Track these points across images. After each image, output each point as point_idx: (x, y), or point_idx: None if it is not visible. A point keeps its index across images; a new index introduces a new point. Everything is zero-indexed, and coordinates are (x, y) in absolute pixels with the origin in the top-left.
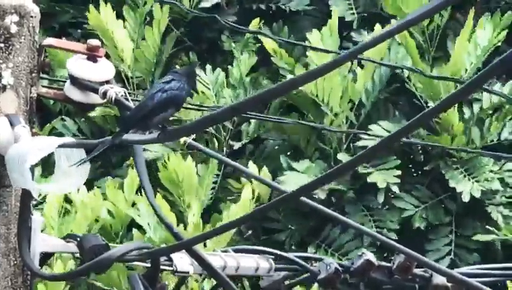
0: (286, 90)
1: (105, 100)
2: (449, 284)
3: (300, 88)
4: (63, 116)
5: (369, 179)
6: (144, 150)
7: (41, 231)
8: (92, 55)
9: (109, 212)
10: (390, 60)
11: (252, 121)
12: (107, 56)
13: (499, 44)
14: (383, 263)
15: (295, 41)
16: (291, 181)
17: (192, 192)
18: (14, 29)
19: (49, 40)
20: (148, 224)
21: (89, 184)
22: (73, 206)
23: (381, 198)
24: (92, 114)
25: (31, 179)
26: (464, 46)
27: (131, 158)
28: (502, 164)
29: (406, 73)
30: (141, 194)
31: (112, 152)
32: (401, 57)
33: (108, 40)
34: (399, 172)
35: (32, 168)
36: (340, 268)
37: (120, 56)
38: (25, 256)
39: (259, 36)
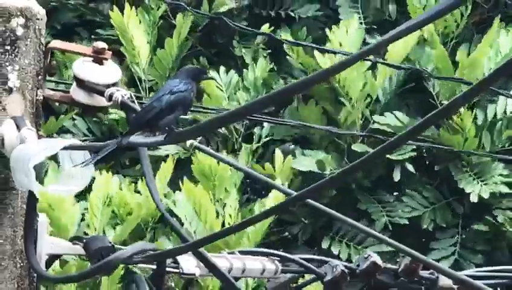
0: (299, 89)
1: (111, 103)
2: (455, 287)
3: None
4: (74, 116)
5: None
6: (156, 148)
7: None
8: (98, 58)
9: (139, 205)
10: (410, 59)
11: (265, 124)
12: (123, 56)
13: None
14: (389, 265)
15: (309, 44)
16: (302, 163)
17: (225, 184)
18: (20, 31)
19: (55, 43)
20: (185, 217)
21: None
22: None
23: (397, 176)
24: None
25: (34, 180)
26: (485, 52)
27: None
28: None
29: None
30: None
31: (122, 152)
32: (424, 57)
33: (127, 42)
34: (414, 153)
35: (39, 169)
36: (346, 270)
37: (136, 59)
38: (32, 258)
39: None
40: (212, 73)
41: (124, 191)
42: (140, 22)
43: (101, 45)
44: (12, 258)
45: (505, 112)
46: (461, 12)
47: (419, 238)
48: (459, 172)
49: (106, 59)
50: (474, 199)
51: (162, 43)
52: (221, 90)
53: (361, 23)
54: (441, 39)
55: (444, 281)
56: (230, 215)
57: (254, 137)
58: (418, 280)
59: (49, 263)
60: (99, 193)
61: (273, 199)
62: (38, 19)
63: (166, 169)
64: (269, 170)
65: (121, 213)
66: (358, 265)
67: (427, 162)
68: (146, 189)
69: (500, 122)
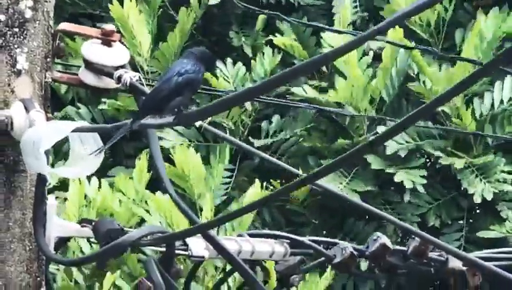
0: (303, 71)
1: (119, 85)
2: (465, 268)
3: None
4: (78, 104)
5: (396, 179)
6: (160, 138)
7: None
8: (106, 40)
9: (120, 203)
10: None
11: (274, 119)
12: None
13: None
14: (398, 247)
15: (311, 23)
16: (327, 182)
17: (202, 183)
18: (28, 14)
19: (64, 25)
20: (160, 222)
21: (102, 173)
22: (92, 201)
23: (407, 197)
24: (103, 106)
25: (45, 163)
26: (472, 43)
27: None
28: None
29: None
30: (152, 191)
31: (126, 142)
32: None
33: (128, 33)
34: (424, 172)
35: (47, 153)
36: (355, 252)
37: (138, 50)
38: (40, 241)
39: (282, 29)
40: (219, 65)
41: (104, 191)
42: (140, 12)
43: (109, 27)
44: (21, 241)
45: (501, 102)
46: None
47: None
48: (461, 170)
49: (114, 41)
50: (477, 199)
51: (163, 33)
52: (228, 82)
53: (356, 12)
54: (434, 23)
55: (454, 262)
56: (206, 218)
57: (262, 131)
58: (427, 262)
59: (58, 246)
60: (74, 198)
61: (253, 195)
62: (46, 1)
63: (144, 166)
64: None
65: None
66: (367, 247)
67: (431, 160)
68: (126, 187)
69: (500, 115)
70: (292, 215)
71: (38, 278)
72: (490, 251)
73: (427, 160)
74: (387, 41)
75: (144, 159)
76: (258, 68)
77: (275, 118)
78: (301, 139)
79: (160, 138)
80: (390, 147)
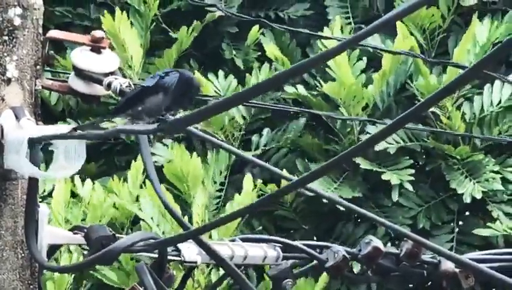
0: (288, 77)
1: (109, 91)
2: (457, 270)
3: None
4: (67, 119)
5: (384, 177)
6: (152, 154)
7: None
8: (96, 47)
9: (114, 205)
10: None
11: (264, 132)
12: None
13: (497, 40)
14: (391, 250)
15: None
16: (317, 187)
17: (198, 185)
18: (17, 21)
19: (53, 32)
20: (152, 218)
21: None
22: (80, 200)
23: (395, 196)
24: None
25: (25, 158)
26: (465, 46)
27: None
28: (502, 161)
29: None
30: (145, 186)
31: (118, 155)
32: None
33: (119, 46)
34: (412, 171)
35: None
36: (348, 255)
37: (128, 63)
38: (33, 248)
39: (263, 42)
40: (210, 77)
41: (97, 192)
42: (132, 25)
43: (98, 33)
44: (14, 249)
45: (491, 104)
46: (448, 5)
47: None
48: (450, 171)
49: (104, 48)
50: (467, 199)
51: (155, 46)
52: (220, 96)
53: (349, 23)
54: (428, 32)
55: (446, 264)
56: (198, 214)
57: (252, 144)
58: (420, 264)
59: (50, 253)
60: (59, 198)
61: (244, 195)
62: (35, 9)
63: (139, 168)
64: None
65: (93, 216)
66: (360, 250)
67: (420, 163)
68: (120, 189)
69: (488, 116)
70: (282, 221)
71: (31, 286)
72: (483, 253)
73: (415, 162)
74: (374, 47)
75: (140, 162)
76: (252, 81)
77: (265, 131)
78: (291, 148)
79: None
80: (379, 145)
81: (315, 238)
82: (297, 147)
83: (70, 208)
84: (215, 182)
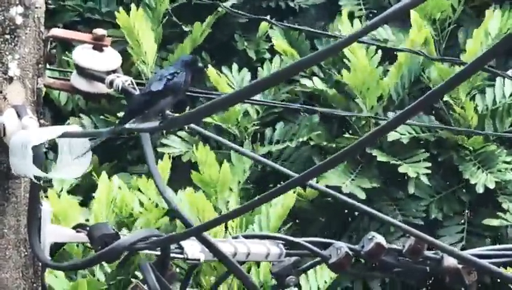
0: (292, 72)
1: (111, 89)
2: (460, 266)
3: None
4: (80, 115)
5: (400, 170)
6: (165, 145)
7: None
8: (98, 45)
9: (141, 203)
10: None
11: (277, 126)
12: (127, 55)
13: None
14: (394, 246)
15: (307, 28)
16: (332, 179)
17: (226, 189)
18: (19, 20)
19: (55, 31)
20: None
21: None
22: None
23: (411, 189)
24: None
25: (31, 163)
26: (478, 38)
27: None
28: None
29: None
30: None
31: (129, 150)
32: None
33: (133, 42)
34: (429, 164)
35: (40, 157)
36: (350, 252)
37: (142, 58)
38: (36, 247)
39: (271, 35)
40: (224, 70)
41: (124, 191)
42: (145, 20)
43: (100, 31)
44: (16, 248)
45: (503, 95)
46: None
47: (427, 227)
48: (463, 162)
49: (106, 46)
50: (480, 189)
51: (167, 40)
52: (233, 89)
53: (361, 9)
54: (439, 24)
55: (449, 260)
56: (233, 220)
57: (265, 138)
58: (423, 260)
59: (53, 251)
60: (102, 199)
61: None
62: (37, 8)
63: (164, 168)
64: None
65: (124, 216)
66: (362, 246)
67: (432, 153)
68: (147, 187)
69: (501, 108)
70: (299, 212)
71: (34, 284)
72: (485, 248)
73: (428, 153)
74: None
75: (166, 159)
76: (264, 74)
77: (279, 125)
78: (304, 145)
79: (164, 145)
80: (392, 136)
81: (326, 233)
82: (310, 142)
83: (112, 210)
84: (239, 182)
